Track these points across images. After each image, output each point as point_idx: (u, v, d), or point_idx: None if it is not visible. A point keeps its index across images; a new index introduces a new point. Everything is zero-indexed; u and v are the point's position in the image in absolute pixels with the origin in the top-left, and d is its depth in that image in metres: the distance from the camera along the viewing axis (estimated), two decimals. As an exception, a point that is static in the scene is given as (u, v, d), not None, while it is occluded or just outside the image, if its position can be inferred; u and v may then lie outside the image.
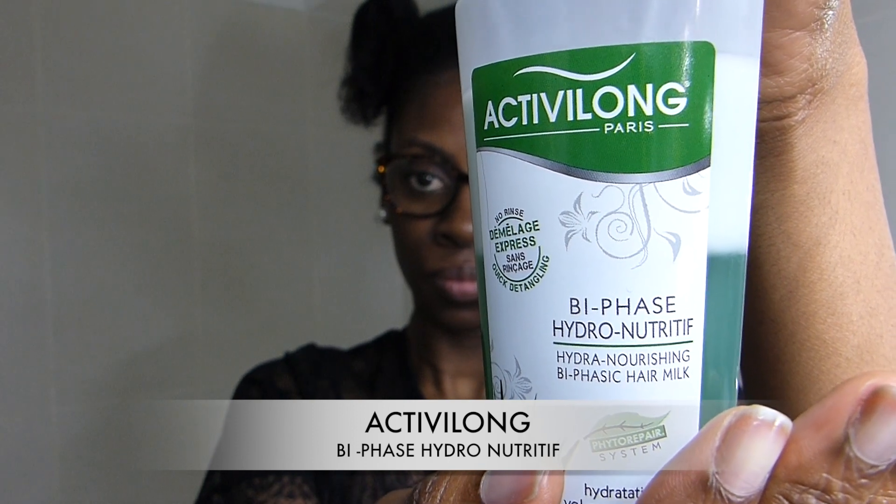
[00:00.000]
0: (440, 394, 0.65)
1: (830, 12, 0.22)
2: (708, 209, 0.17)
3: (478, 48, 0.19)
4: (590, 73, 0.17)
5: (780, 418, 0.15)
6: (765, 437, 0.15)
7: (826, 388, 0.26)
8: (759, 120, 0.23)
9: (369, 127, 0.68)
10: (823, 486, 0.14)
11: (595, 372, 0.17)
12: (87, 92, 1.09)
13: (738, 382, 0.19)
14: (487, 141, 0.19)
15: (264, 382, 0.66)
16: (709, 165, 0.17)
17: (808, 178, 0.25)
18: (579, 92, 0.17)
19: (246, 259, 1.24)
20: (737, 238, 0.18)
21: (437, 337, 0.65)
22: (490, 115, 0.19)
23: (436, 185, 0.58)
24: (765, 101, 0.23)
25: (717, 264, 0.17)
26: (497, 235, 0.19)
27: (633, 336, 0.17)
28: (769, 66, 0.22)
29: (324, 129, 1.30)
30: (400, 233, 0.62)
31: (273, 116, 1.27)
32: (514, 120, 0.18)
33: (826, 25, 0.22)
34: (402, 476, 0.61)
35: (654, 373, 0.17)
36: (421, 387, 0.66)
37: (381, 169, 0.61)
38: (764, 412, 0.15)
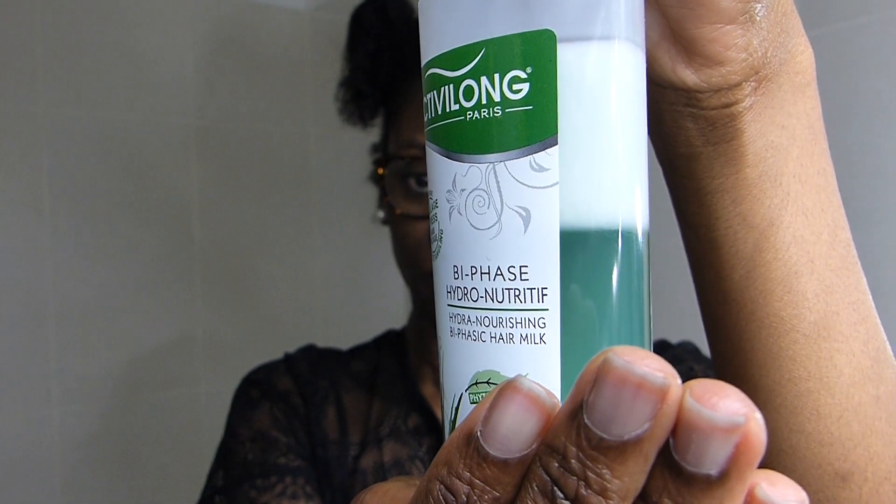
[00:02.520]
0: (439, 393, 0.65)
1: (758, 6, 0.23)
2: (558, 185, 0.18)
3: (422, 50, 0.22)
4: (455, 70, 0.19)
5: (529, 386, 0.16)
6: (516, 401, 0.16)
7: (785, 364, 0.27)
8: (710, 108, 0.25)
9: (367, 128, 0.68)
10: (562, 451, 0.15)
11: (469, 331, 0.20)
12: (87, 92, 1.09)
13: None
14: (426, 133, 0.22)
15: (264, 383, 0.66)
16: (556, 144, 0.18)
17: (759, 161, 0.26)
18: (451, 87, 0.20)
19: (246, 259, 1.24)
20: (601, 214, 0.19)
21: (435, 336, 0.65)
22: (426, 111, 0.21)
23: None
24: (712, 91, 0.24)
25: (573, 238, 0.18)
26: (431, 215, 0.22)
27: (493, 300, 0.19)
28: (709, 58, 0.23)
29: (324, 129, 1.30)
30: (399, 234, 0.62)
31: (274, 116, 1.27)
32: (427, 115, 0.21)
33: (757, 18, 0.23)
34: (403, 476, 0.61)
35: (511, 336, 0.19)
36: (420, 386, 0.66)
37: (381, 171, 0.62)
38: (522, 381, 0.16)
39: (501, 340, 0.19)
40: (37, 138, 1.05)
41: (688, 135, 0.26)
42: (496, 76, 0.19)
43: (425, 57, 0.21)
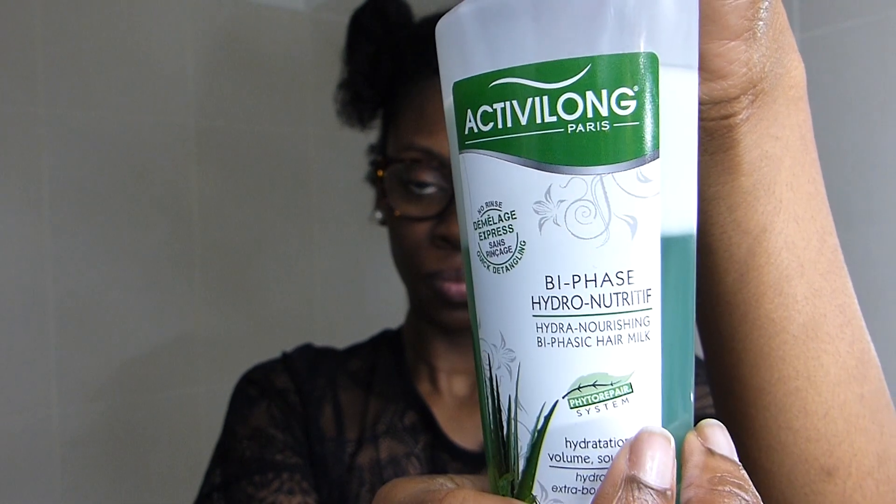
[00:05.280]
0: (436, 391, 0.66)
1: (760, 23, 0.24)
2: (659, 195, 0.20)
3: (456, 64, 0.22)
4: (553, 82, 0.20)
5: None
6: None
7: (775, 364, 0.29)
8: (709, 119, 0.26)
9: (365, 130, 0.69)
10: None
11: (570, 339, 0.20)
12: (87, 92, 1.09)
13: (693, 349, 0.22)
14: (468, 144, 0.22)
15: (262, 381, 0.66)
16: (658, 157, 0.20)
17: (754, 170, 0.27)
18: (545, 98, 0.20)
19: (246, 259, 1.24)
20: (686, 220, 0.21)
21: (433, 336, 0.65)
22: (470, 121, 0.21)
23: (433, 188, 0.59)
24: (713, 103, 0.25)
25: (670, 242, 0.20)
26: (480, 226, 0.22)
27: (600, 306, 0.20)
28: (713, 72, 0.25)
29: (324, 129, 1.31)
30: (397, 235, 0.62)
31: (274, 116, 1.27)
32: (491, 125, 0.21)
33: (758, 34, 0.24)
34: (399, 472, 0.62)
35: (619, 337, 0.20)
36: (417, 384, 0.66)
37: (380, 173, 0.62)
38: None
39: (609, 342, 0.20)
40: (37, 138, 1.06)
41: None
42: (604, 92, 0.20)
43: (487, 66, 0.21)
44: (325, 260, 1.32)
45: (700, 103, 0.25)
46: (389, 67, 0.65)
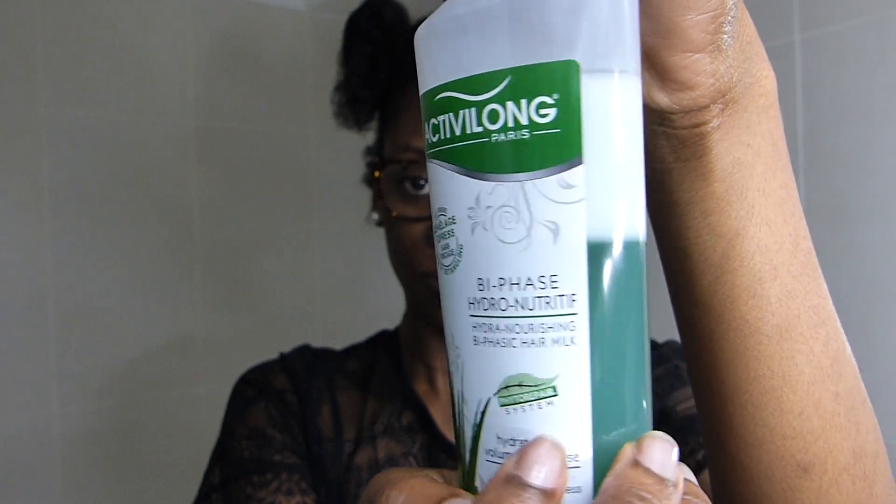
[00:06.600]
0: (433, 390, 0.66)
1: (725, 36, 0.25)
2: (584, 201, 0.20)
3: (421, 78, 0.23)
4: (479, 94, 0.21)
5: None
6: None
7: (750, 363, 0.30)
8: (681, 127, 0.27)
9: (362, 131, 0.69)
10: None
11: (497, 339, 0.21)
12: (87, 92, 1.09)
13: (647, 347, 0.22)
14: (428, 154, 0.23)
15: (260, 382, 0.66)
16: (581, 163, 0.20)
17: (726, 177, 0.28)
18: (473, 110, 0.21)
19: (246, 259, 1.24)
20: (621, 225, 0.21)
21: (429, 335, 0.66)
22: (427, 132, 0.23)
23: (429, 188, 0.59)
24: (683, 112, 0.26)
25: (599, 248, 0.20)
26: (436, 230, 0.23)
27: (524, 308, 0.21)
28: (681, 83, 0.25)
29: (324, 129, 1.31)
30: (394, 235, 0.63)
31: (274, 116, 1.27)
32: (437, 136, 0.22)
33: (723, 47, 0.25)
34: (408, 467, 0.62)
35: (543, 340, 0.20)
36: (414, 384, 0.66)
37: (377, 174, 0.63)
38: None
39: (533, 345, 0.20)
40: (37, 138, 1.06)
41: (661, 151, 0.28)
42: (523, 101, 0.20)
43: (433, 81, 0.22)
44: (324, 260, 1.32)
45: (672, 112, 0.26)
46: (386, 69, 0.65)
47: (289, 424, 0.64)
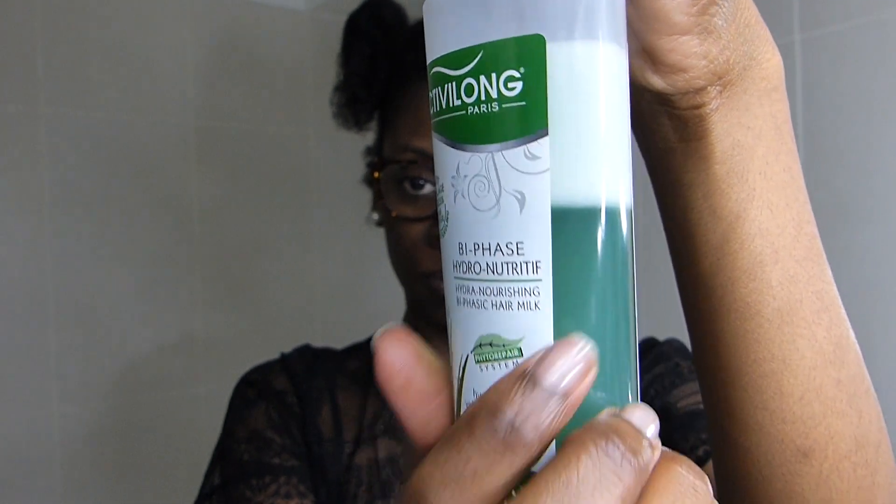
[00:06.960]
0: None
1: (714, 18, 0.25)
2: (548, 171, 0.21)
3: (426, 51, 0.24)
4: (458, 69, 0.22)
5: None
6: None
7: (751, 346, 0.30)
8: (680, 108, 0.27)
9: (361, 132, 0.69)
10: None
11: (473, 300, 0.22)
12: (87, 92, 1.09)
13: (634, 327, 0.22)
14: (431, 125, 0.24)
15: (260, 383, 0.66)
16: (546, 135, 0.21)
17: (727, 158, 0.28)
18: (453, 84, 0.22)
19: (246, 260, 1.24)
20: (585, 194, 0.21)
21: (429, 335, 0.65)
22: (430, 105, 0.24)
23: (429, 189, 0.60)
24: (680, 94, 0.26)
25: (564, 216, 0.21)
26: (438, 197, 0.24)
27: (494, 272, 0.22)
28: (671, 65, 0.26)
29: (324, 129, 1.31)
30: (394, 235, 0.63)
31: (274, 117, 1.27)
32: (433, 108, 0.23)
33: (712, 29, 0.25)
34: (397, 471, 0.62)
35: (510, 303, 0.21)
36: None
37: (377, 174, 0.63)
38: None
39: (502, 307, 0.22)
40: (37, 138, 1.06)
41: (664, 131, 0.28)
42: (493, 75, 0.21)
43: (430, 56, 0.23)
44: (324, 260, 1.32)
45: (669, 94, 0.26)
46: (385, 69, 0.65)
47: (288, 426, 0.64)
